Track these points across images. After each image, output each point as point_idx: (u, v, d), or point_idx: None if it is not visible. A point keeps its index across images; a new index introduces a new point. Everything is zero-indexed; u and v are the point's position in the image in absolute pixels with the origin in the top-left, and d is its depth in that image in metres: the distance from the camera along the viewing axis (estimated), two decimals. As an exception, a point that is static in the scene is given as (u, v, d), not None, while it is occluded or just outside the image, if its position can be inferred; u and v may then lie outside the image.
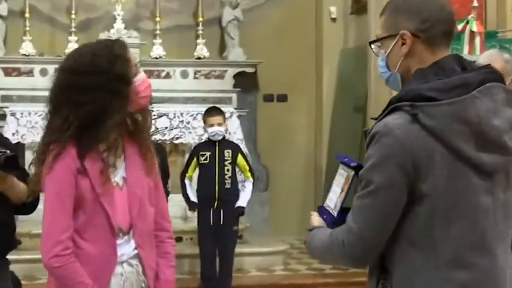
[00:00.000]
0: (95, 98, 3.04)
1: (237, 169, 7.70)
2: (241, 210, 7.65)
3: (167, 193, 7.97)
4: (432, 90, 2.36)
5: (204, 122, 7.70)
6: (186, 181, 7.72)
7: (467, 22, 7.66)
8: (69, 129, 3.06)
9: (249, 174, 7.68)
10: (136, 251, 3.24)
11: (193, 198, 7.67)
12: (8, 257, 3.86)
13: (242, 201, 7.62)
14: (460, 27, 7.70)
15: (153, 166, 3.35)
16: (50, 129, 3.14)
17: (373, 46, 2.65)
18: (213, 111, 7.64)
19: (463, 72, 2.47)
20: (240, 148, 7.92)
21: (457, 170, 2.36)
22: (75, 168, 3.07)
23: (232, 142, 8.09)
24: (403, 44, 2.52)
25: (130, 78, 3.12)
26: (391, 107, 2.41)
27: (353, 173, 2.66)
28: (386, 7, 2.61)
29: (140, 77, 3.18)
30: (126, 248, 3.21)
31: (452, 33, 2.57)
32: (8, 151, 3.56)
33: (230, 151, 7.61)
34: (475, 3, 7.79)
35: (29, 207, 3.74)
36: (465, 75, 2.42)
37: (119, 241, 3.18)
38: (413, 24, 2.50)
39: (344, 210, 2.63)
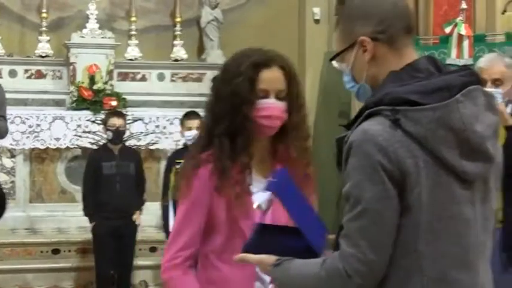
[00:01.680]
0: (224, 110, 2.98)
1: None
2: None
3: (143, 202, 7.72)
4: (413, 93, 2.21)
5: (182, 125, 7.56)
6: (170, 205, 7.36)
7: (456, 25, 7.63)
8: (210, 144, 3.01)
9: None
10: None
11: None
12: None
13: None
14: (448, 30, 7.76)
15: (310, 196, 3.02)
16: (197, 141, 3.16)
17: (334, 63, 2.49)
18: (191, 114, 7.49)
19: (441, 74, 2.32)
20: None
21: (441, 179, 2.21)
22: (212, 187, 2.99)
23: None
24: (364, 51, 2.36)
25: (249, 98, 2.96)
26: (368, 112, 2.25)
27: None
28: (340, 18, 2.48)
29: (264, 103, 2.99)
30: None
31: (412, 28, 2.42)
32: None
33: None
34: (464, 6, 7.69)
35: None
36: (446, 77, 2.28)
37: None
38: (369, 28, 2.36)
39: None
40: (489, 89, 4.47)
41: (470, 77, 2.29)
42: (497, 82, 4.67)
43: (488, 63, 4.81)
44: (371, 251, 2.20)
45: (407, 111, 2.18)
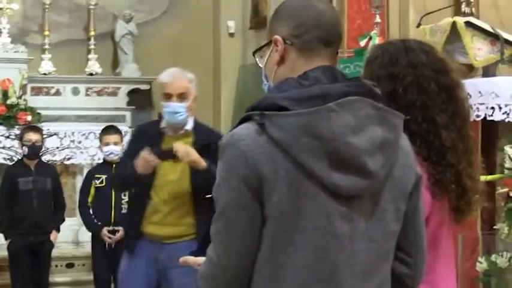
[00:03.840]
0: None
1: None
2: None
3: (62, 219, 7.63)
4: (286, 99, 2.15)
5: (100, 140, 7.49)
6: (89, 211, 7.32)
7: (370, 38, 7.69)
8: None
9: None
10: None
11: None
12: None
13: None
14: (363, 43, 7.85)
15: None
16: None
17: (256, 57, 2.46)
18: (110, 129, 7.45)
19: (328, 83, 2.24)
20: None
21: (306, 189, 2.13)
22: None
23: None
24: (276, 51, 2.33)
25: None
26: (243, 117, 2.21)
27: None
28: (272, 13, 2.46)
29: None
30: None
31: (332, 41, 2.33)
32: None
33: None
34: (378, 19, 7.77)
35: None
36: (326, 86, 2.20)
37: None
38: (287, 30, 2.31)
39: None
40: (174, 103, 4.73)
41: (357, 88, 2.21)
42: (181, 97, 4.78)
43: (171, 77, 4.87)
44: (224, 256, 2.21)
45: (272, 116, 2.12)
